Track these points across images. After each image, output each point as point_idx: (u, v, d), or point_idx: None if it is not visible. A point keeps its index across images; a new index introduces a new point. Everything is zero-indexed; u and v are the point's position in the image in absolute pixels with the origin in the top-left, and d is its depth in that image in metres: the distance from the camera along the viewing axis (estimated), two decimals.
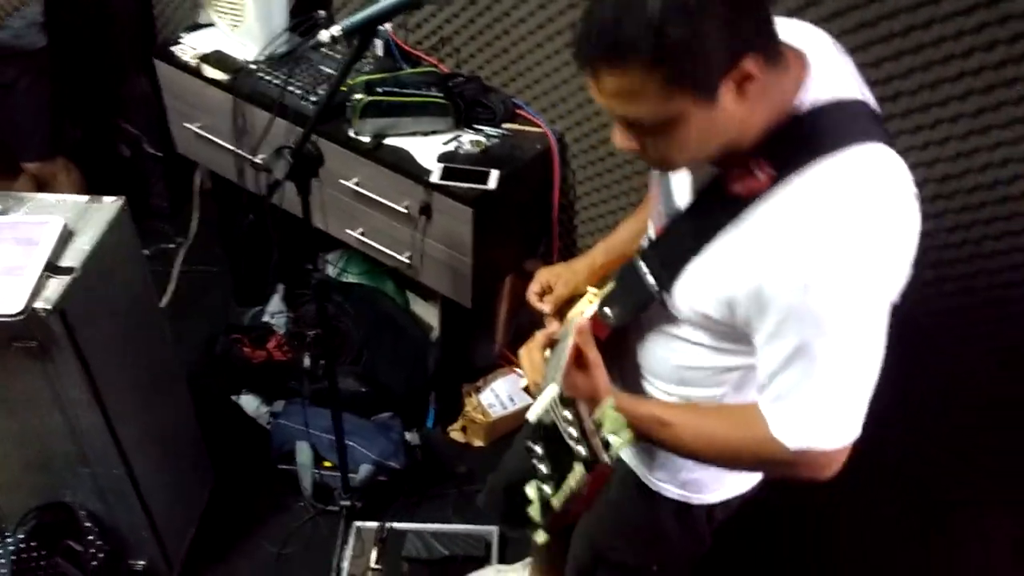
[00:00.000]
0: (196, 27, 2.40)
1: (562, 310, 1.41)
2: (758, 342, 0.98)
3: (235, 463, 2.36)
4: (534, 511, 0.87)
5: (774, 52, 0.90)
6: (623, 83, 0.86)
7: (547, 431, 0.88)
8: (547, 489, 0.85)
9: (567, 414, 0.85)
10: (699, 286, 1.03)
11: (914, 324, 1.68)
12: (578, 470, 0.81)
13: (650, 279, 1.10)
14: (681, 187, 1.09)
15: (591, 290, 1.37)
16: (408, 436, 2.38)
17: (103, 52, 2.85)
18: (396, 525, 2.24)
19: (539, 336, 1.23)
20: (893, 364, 0.97)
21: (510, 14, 2.02)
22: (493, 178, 1.91)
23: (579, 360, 1.08)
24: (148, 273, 1.84)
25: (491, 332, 2.60)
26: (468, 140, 2.01)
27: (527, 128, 2.10)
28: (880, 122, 0.98)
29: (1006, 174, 1.55)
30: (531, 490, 0.87)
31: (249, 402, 2.54)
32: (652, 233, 1.19)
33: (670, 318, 1.12)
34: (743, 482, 1.31)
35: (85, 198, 1.67)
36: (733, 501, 1.32)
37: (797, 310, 0.91)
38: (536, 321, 1.43)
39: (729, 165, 0.97)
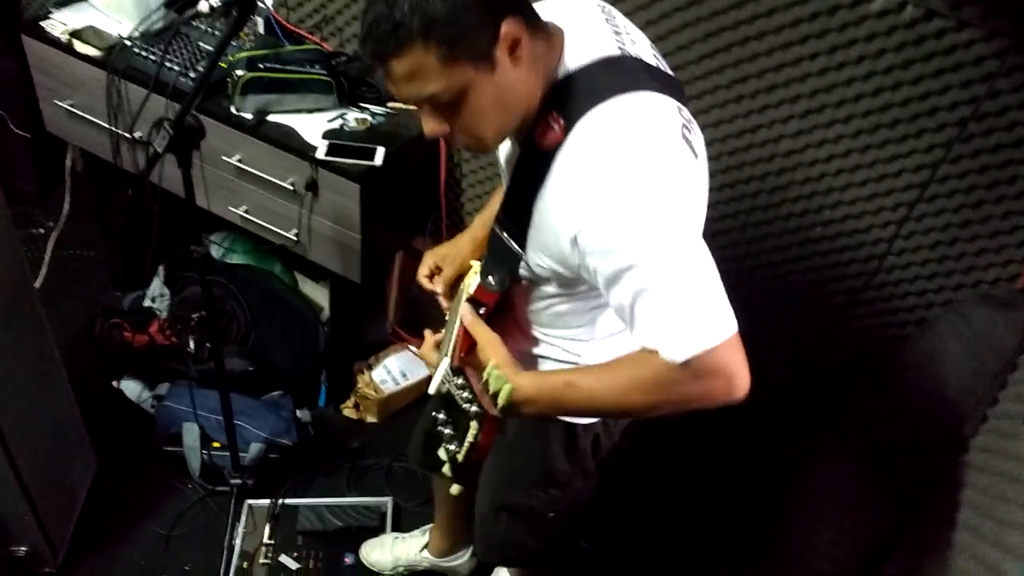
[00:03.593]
0: (66, 2, 2.32)
1: (453, 286, 1.50)
2: (601, 286, 1.06)
3: (119, 447, 2.30)
4: (446, 469, 0.98)
5: (533, 18, 1.04)
6: (408, 65, 0.97)
7: (446, 400, 1.00)
8: (453, 447, 0.96)
9: (459, 381, 0.97)
10: (538, 246, 1.13)
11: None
12: (474, 425, 0.94)
13: (512, 243, 1.18)
14: (508, 169, 1.22)
15: (474, 263, 1.45)
16: (300, 413, 2.39)
17: None
18: (289, 501, 2.25)
19: (429, 338, 1.32)
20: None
21: None
22: (379, 155, 1.95)
23: (472, 344, 1.15)
24: (21, 250, 1.79)
25: (382, 310, 2.64)
26: (353, 118, 2.04)
27: (412, 107, 2.14)
28: (650, 72, 1.10)
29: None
30: (442, 453, 0.99)
31: (131, 387, 2.48)
32: None
33: (533, 275, 1.20)
34: None
35: None
36: (612, 423, 1.43)
37: (612, 246, 1.00)
38: (429, 299, 1.50)
39: (532, 130, 1.08)
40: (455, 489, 1.01)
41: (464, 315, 1.18)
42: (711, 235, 1.05)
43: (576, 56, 1.07)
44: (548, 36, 1.07)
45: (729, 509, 2.28)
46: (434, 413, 1.02)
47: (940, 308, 1.81)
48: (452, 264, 1.49)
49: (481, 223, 1.51)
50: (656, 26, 1.75)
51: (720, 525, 2.29)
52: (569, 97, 1.05)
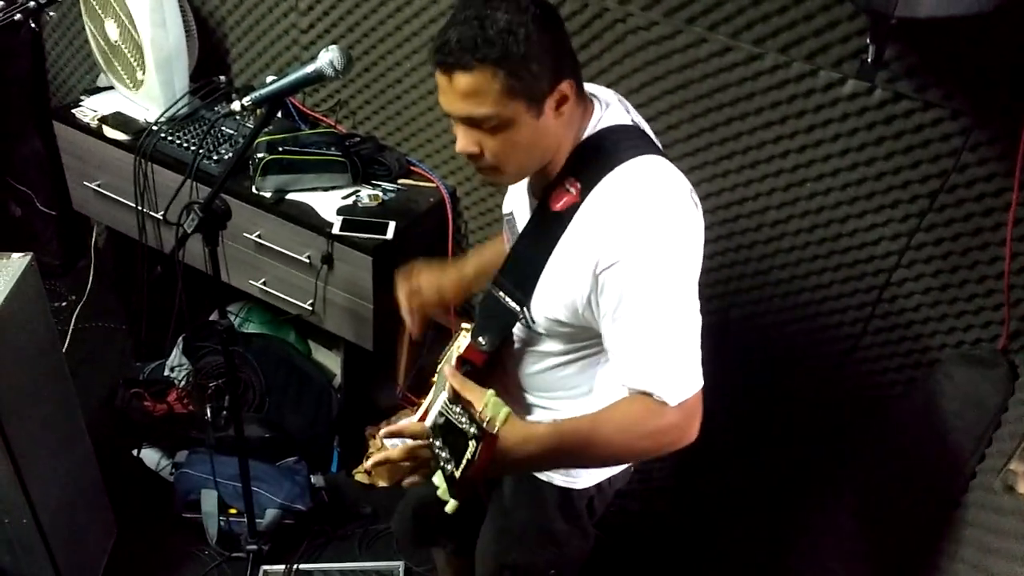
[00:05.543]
0: (96, 90, 2.48)
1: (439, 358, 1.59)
2: (604, 329, 1.18)
3: (138, 514, 2.36)
4: (441, 491, 1.05)
5: (581, 85, 1.20)
6: (473, 82, 1.09)
7: (443, 428, 1.08)
8: (449, 468, 1.04)
9: (458, 409, 1.06)
10: (549, 296, 1.24)
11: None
12: (472, 445, 1.01)
13: (510, 302, 1.29)
14: (522, 223, 1.33)
15: (464, 326, 1.54)
16: (313, 479, 2.45)
17: None
18: (303, 566, 2.30)
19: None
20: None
21: (402, 80, 2.22)
22: (391, 229, 2.07)
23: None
24: (54, 325, 1.89)
25: (393, 376, 2.71)
26: (366, 194, 2.17)
27: (421, 183, 2.28)
28: (651, 141, 1.25)
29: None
30: (437, 478, 1.06)
31: (150, 456, 2.55)
32: None
33: (532, 334, 1.31)
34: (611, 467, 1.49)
35: None
36: (605, 485, 1.50)
37: (624, 288, 1.12)
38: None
39: (547, 192, 1.23)
40: (451, 507, 1.06)
41: (450, 375, 1.22)
42: (704, 300, 1.16)
43: (597, 123, 1.22)
44: (586, 104, 1.23)
45: (729, 561, 2.32)
46: (431, 441, 1.09)
47: (927, 368, 1.90)
48: (429, 288, 1.56)
49: (474, 265, 1.59)
50: (647, 108, 1.88)
51: None
52: (587, 161, 1.19)
